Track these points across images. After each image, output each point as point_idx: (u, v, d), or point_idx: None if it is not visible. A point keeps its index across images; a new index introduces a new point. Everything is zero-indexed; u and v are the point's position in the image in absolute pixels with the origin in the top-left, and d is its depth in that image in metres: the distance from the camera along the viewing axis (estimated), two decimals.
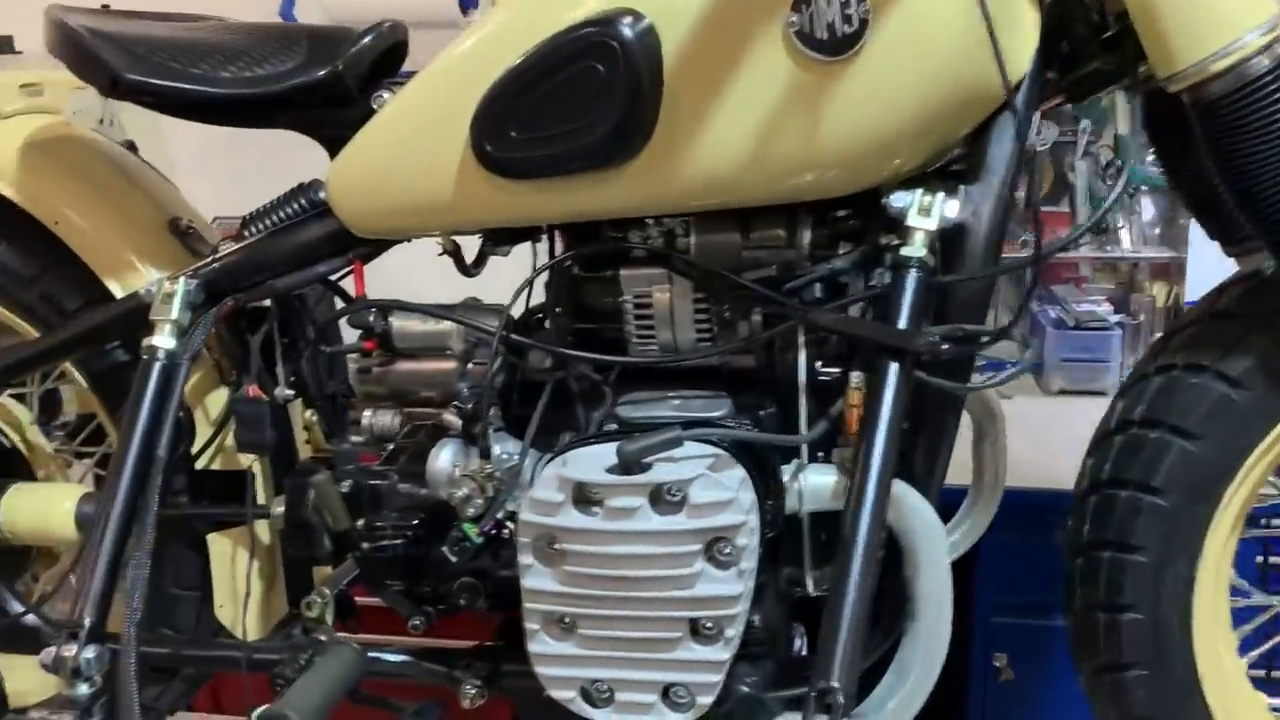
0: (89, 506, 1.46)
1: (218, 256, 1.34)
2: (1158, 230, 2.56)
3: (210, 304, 1.32)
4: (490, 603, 1.32)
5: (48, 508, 1.47)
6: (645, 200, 1.14)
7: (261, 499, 1.45)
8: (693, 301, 1.23)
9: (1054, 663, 1.78)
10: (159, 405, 1.24)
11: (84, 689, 1.12)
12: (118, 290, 1.40)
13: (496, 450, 1.20)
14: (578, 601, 1.03)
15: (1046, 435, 1.92)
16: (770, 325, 1.18)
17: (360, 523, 1.32)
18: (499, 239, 1.33)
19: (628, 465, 0.99)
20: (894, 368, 1.03)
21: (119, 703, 1.05)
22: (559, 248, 1.34)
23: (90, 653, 1.12)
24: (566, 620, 1.06)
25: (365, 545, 1.31)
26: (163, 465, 1.22)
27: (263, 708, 1.24)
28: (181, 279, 1.29)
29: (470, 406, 1.22)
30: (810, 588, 1.22)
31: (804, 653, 1.32)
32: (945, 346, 1.01)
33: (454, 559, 1.15)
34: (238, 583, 1.48)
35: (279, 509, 1.38)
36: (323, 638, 1.46)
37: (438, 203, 1.20)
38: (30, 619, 1.47)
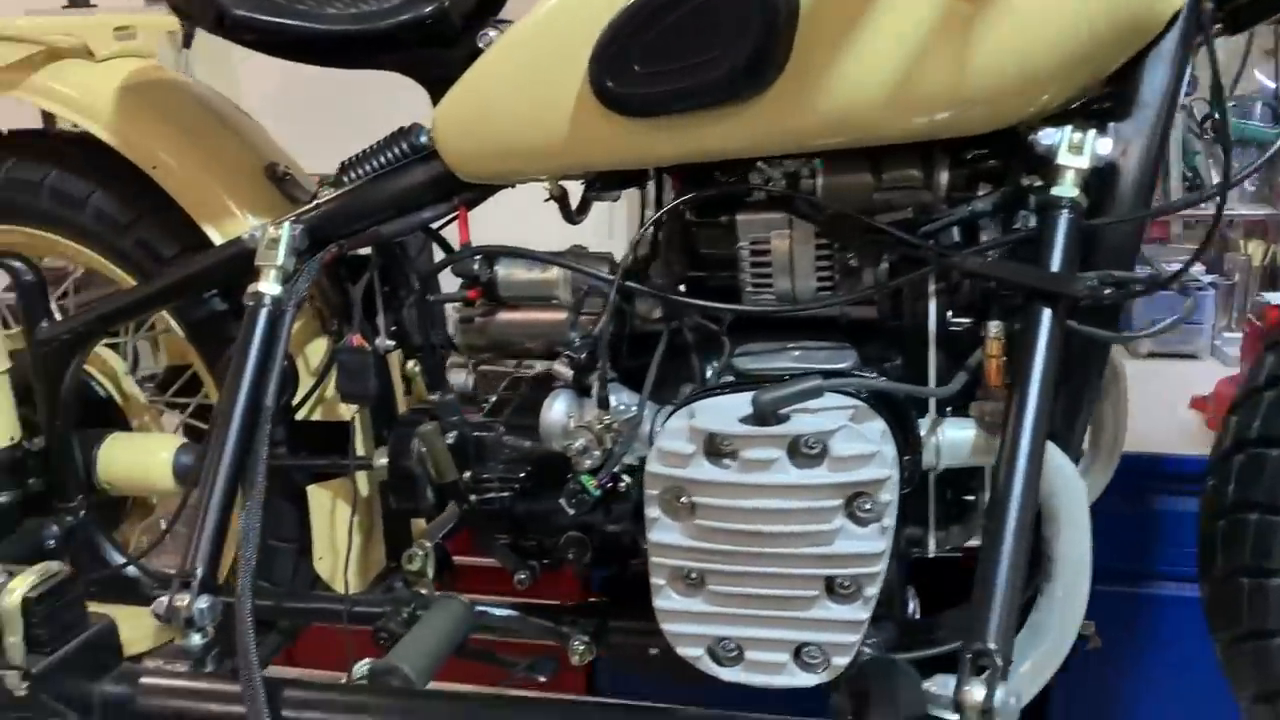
0: (187, 457, 1.45)
1: (321, 202, 1.31)
2: (1253, 187, 2.44)
3: (314, 250, 1.29)
4: (597, 557, 1.30)
5: (146, 458, 1.46)
6: (775, 138, 1.08)
7: (360, 451, 1.43)
8: (814, 248, 1.17)
9: (1144, 631, 1.72)
10: (265, 353, 1.21)
11: (196, 639, 1.10)
12: (216, 236, 1.38)
13: (612, 401, 1.15)
14: (707, 556, 0.99)
15: (1136, 399, 1.85)
16: (901, 271, 1.12)
17: (466, 475, 1.29)
18: (608, 183, 1.28)
19: (764, 416, 0.94)
20: (1047, 315, 0.97)
21: (238, 653, 1.03)
22: (667, 193, 1.30)
23: (203, 603, 1.10)
24: (693, 576, 1.02)
25: (472, 498, 1.29)
26: (270, 414, 1.20)
27: (372, 660, 1.21)
28: (286, 224, 1.26)
29: (583, 357, 1.18)
30: (932, 548, 1.17)
31: (917, 616, 1.28)
32: (1108, 291, 0.94)
33: (571, 511, 1.12)
34: (337, 535, 1.46)
35: (381, 460, 1.35)
36: (424, 591, 1.44)
37: (550, 144, 1.15)
38: (131, 570, 1.47)
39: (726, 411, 0.97)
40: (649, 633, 1.29)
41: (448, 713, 0.99)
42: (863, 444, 0.93)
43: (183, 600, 1.10)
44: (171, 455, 1.44)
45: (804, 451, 0.95)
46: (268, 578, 1.51)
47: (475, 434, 1.30)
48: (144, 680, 1.05)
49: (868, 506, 0.95)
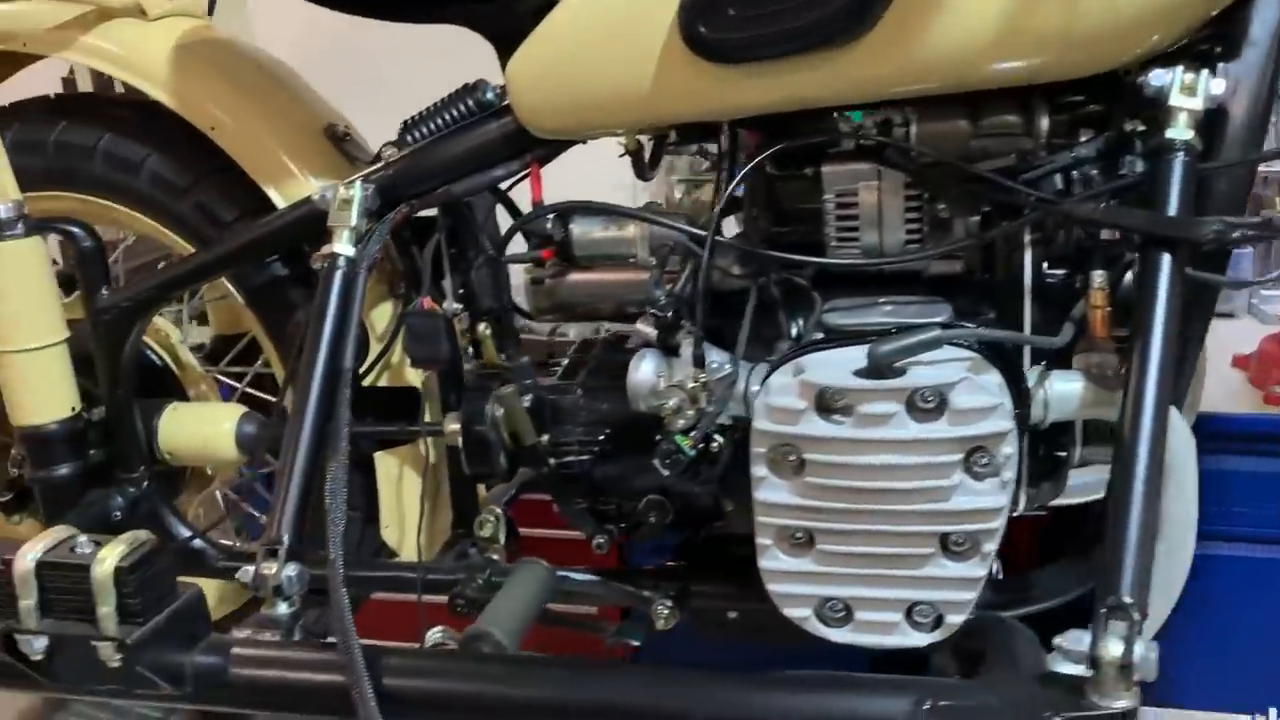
0: (250, 426, 1.42)
1: (389, 161, 1.27)
2: None
3: (384, 210, 1.25)
4: (677, 520, 1.28)
5: (208, 428, 1.43)
6: (873, 84, 1.04)
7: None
8: (904, 199, 1.14)
9: (1215, 592, 1.70)
10: (342, 315, 1.18)
11: (284, 608, 1.08)
12: (278, 199, 1.34)
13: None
14: (818, 515, 0.96)
15: None
16: (994, 222, 1.09)
17: (544, 438, 1.27)
18: (685, 136, 1.25)
19: (880, 368, 0.91)
20: (1167, 261, 0.94)
21: (332, 621, 1.01)
22: (739, 146, 1.27)
23: (291, 571, 1.07)
24: (800, 535, 0.99)
25: (552, 461, 1.26)
26: (349, 377, 1.17)
27: (443, 628, 1.19)
28: (358, 184, 1.23)
29: (669, 315, 1.15)
30: (1021, 506, 1.14)
31: (1000, 576, 1.26)
32: (1235, 235, 0.91)
33: (665, 472, 1.09)
34: (405, 503, 1.44)
35: (452, 426, 1.33)
36: (495, 557, 1.42)
37: (634, 95, 1.12)
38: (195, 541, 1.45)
39: (838, 365, 0.95)
40: (729, 596, 1.30)
41: (552, 677, 0.96)
42: (985, 396, 0.90)
43: (270, 568, 1.07)
44: (234, 425, 1.42)
45: (920, 405, 0.92)
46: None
47: (553, 396, 1.27)
48: (236, 650, 1.03)
49: (985, 461, 0.92)
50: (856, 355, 0.96)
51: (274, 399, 1.64)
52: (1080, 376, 1.03)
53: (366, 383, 1.38)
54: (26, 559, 0.99)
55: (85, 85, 2.01)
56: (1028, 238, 1.10)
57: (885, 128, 1.12)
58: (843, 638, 1.00)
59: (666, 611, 1.26)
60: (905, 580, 0.96)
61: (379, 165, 1.28)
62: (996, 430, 0.91)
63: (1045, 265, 1.11)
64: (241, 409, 1.44)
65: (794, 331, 1.15)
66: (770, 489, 0.97)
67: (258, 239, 1.31)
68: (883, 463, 0.92)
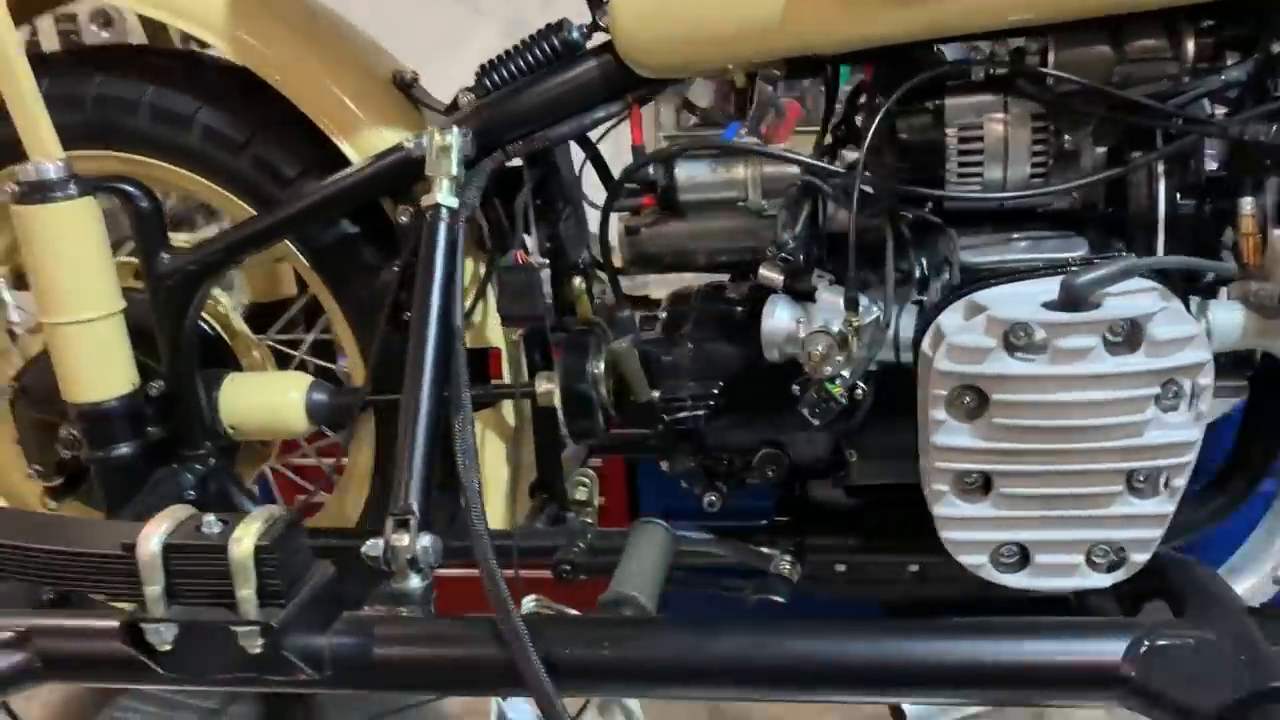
0: (320, 394, 1.34)
1: (481, 106, 1.20)
2: None
3: (478, 158, 1.18)
4: (791, 474, 1.24)
5: (275, 399, 1.34)
6: (1013, 10, 1.00)
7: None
8: (1031, 131, 1.10)
9: None
10: (449, 269, 1.11)
11: (416, 581, 1.01)
12: (351, 151, 1.25)
13: (836, 301, 1.08)
14: (1002, 458, 0.92)
15: None
16: (1124, 153, 1.06)
17: (656, 394, 1.21)
18: (798, 71, 1.19)
19: (1076, 301, 0.87)
20: None
21: (487, 591, 0.95)
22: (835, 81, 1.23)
23: (426, 541, 1.01)
24: (972, 480, 0.96)
25: (666, 418, 1.21)
26: (463, 334, 1.10)
27: (537, 599, 1.14)
28: (454, 130, 1.15)
29: (799, 259, 1.10)
30: None
31: None
32: None
33: (815, 421, 1.04)
34: (488, 468, 1.37)
35: (545, 385, 1.26)
36: (590, 520, 1.37)
37: (754, 27, 1.07)
38: None
39: (1023, 300, 0.91)
40: (842, 549, 1.27)
41: (722, 638, 0.92)
42: (1184, 326, 0.87)
43: (402, 540, 1.00)
44: (303, 394, 1.33)
45: (1110, 338, 0.89)
46: None
47: (660, 351, 1.22)
48: (379, 629, 0.96)
49: (1175, 392, 0.89)
50: (1037, 290, 0.92)
51: (330, 365, 1.57)
52: (1239, 306, 1.01)
53: None
54: (152, 542, 0.91)
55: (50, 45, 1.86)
56: (1161, 167, 1.07)
57: (1018, 57, 1.08)
58: (1019, 583, 0.97)
59: (788, 566, 1.22)
60: (1089, 520, 0.94)
61: (469, 111, 1.20)
62: (1195, 361, 0.88)
63: (1179, 195, 1.08)
64: (308, 377, 1.36)
65: (921, 271, 1.11)
66: (950, 433, 0.93)
67: (340, 192, 1.22)
68: (1077, 399, 0.88)
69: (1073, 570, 0.95)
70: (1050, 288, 0.91)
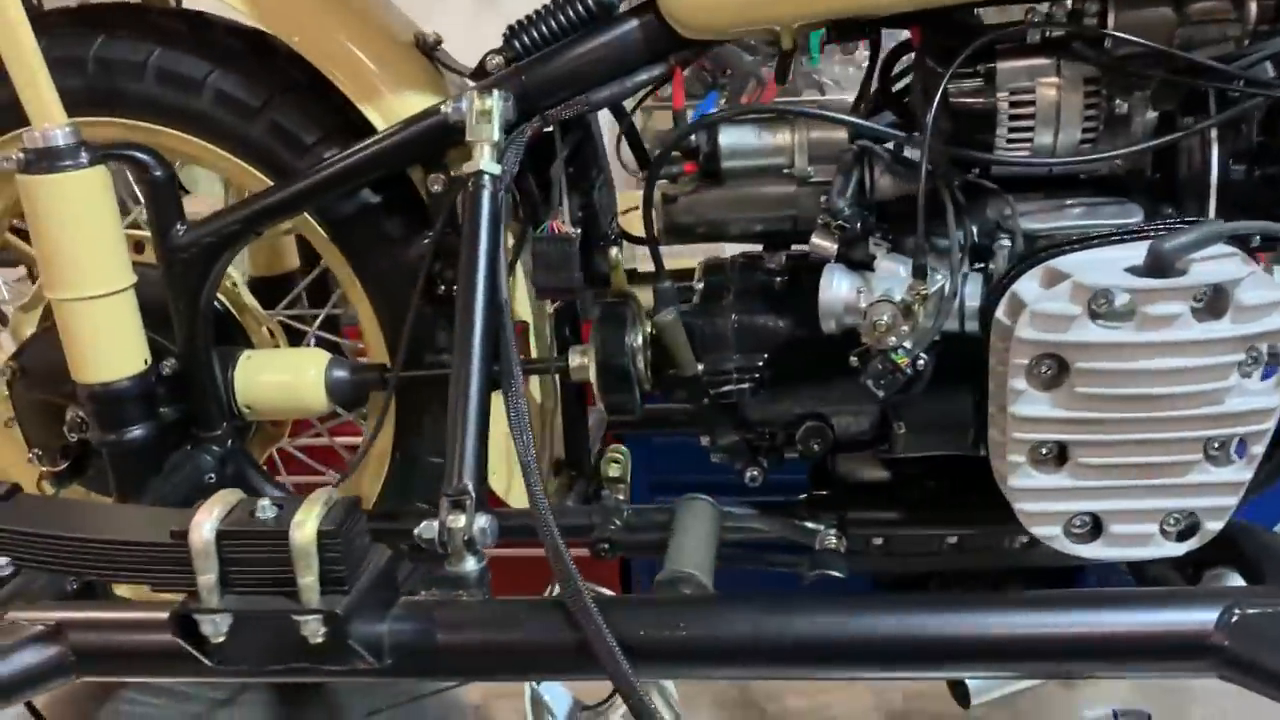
0: (341, 371, 1.29)
1: (518, 68, 1.15)
2: None
3: (517, 123, 1.14)
4: (834, 446, 1.21)
5: (293, 377, 1.29)
6: None
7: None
8: (1083, 96, 1.09)
9: None
10: (495, 239, 1.07)
11: (472, 563, 0.97)
12: (376, 116, 1.20)
13: (896, 269, 1.06)
14: (1082, 427, 0.91)
15: None
16: (1176, 117, 1.04)
17: (700, 367, 1.18)
18: (844, 34, 1.16)
19: (1163, 267, 0.86)
20: None
21: (556, 571, 0.91)
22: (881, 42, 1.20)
23: (483, 521, 0.97)
24: (1046, 450, 0.94)
25: (711, 391, 1.18)
26: (509, 306, 1.06)
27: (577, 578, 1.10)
28: (495, 94, 1.10)
29: (856, 227, 1.07)
30: None
31: None
32: None
33: (880, 393, 1.02)
34: (513, 445, 1.33)
35: (579, 359, 1.23)
36: (622, 498, 1.34)
37: None
38: None
39: (1108, 266, 0.89)
40: (882, 522, 1.25)
41: (792, 613, 0.89)
42: (1270, 291, 0.86)
43: (458, 521, 0.96)
44: (321, 371, 1.28)
45: (1194, 304, 0.88)
46: (425, 497, 1.37)
47: (704, 322, 1.19)
48: (440, 614, 0.93)
49: (1255, 358, 0.89)
50: (1119, 255, 0.90)
51: (336, 340, 1.51)
52: None
53: None
54: (205, 529, 0.86)
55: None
56: (1215, 133, 1.06)
57: (1075, 19, 1.06)
58: (1092, 553, 0.96)
59: (834, 540, 1.20)
60: (1166, 489, 0.93)
61: (504, 75, 1.15)
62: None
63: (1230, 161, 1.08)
64: (325, 354, 1.31)
65: (972, 237, 1.10)
66: (1030, 403, 0.91)
67: (369, 158, 1.17)
68: (1162, 367, 0.87)
69: (1147, 540, 0.94)
70: (1132, 254, 0.90)
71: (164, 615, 0.89)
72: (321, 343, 1.46)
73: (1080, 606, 0.86)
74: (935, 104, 1.02)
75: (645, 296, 1.23)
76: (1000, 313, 0.94)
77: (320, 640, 0.87)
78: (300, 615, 0.86)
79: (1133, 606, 0.86)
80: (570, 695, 1.29)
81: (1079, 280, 0.88)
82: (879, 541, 1.25)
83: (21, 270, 1.60)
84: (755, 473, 1.23)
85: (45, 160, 1.11)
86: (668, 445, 1.70)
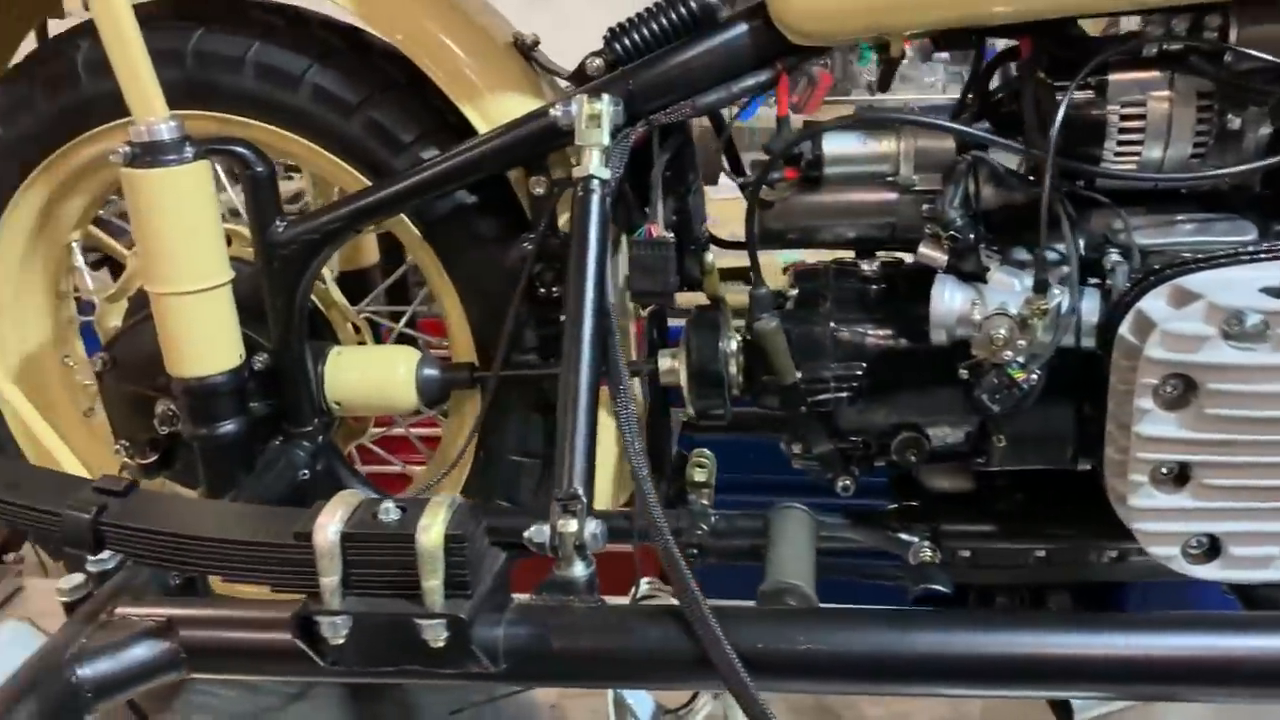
0: (432, 370, 1.29)
1: (624, 71, 1.15)
2: None
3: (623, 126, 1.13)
4: (931, 458, 1.21)
5: (383, 374, 1.29)
6: None
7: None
8: (1196, 110, 1.08)
9: None
10: (603, 243, 1.07)
11: (582, 569, 0.97)
12: (476, 116, 1.20)
13: (1012, 282, 1.05)
14: (1208, 448, 0.90)
15: None
16: None
17: (798, 375, 1.18)
18: (952, 43, 1.16)
19: None
20: None
21: (672, 578, 0.91)
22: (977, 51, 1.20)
23: (594, 527, 0.97)
24: (1166, 470, 0.94)
25: (809, 399, 1.17)
26: (618, 310, 1.06)
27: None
28: (605, 98, 1.10)
29: (968, 238, 1.06)
30: None
31: None
32: None
33: (995, 408, 1.02)
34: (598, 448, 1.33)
35: (669, 363, 1.23)
36: (706, 503, 1.33)
37: None
38: None
39: (1241, 285, 0.88)
40: (972, 535, 1.24)
41: (916, 629, 0.89)
42: None
43: (570, 526, 0.96)
44: (412, 369, 1.28)
45: None
46: (508, 496, 1.38)
47: (798, 330, 1.18)
48: (554, 619, 0.92)
49: None
50: (1249, 275, 0.89)
51: (415, 335, 1.52)
52: None
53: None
54: (329, 531, 0.86)
55: None
56: None
57: (1194, 32, 1.05)
58: (1210, 574, 0.95)
59: (928, 552, 1.19)
60: None
61: (608, 78, 1.15)
62: None
63: None
64: (415, 352, 1.31)
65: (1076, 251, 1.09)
66: (1156, 422, 0.91)
67: (474, 159, 1.16)
68: None
69: (1268, 562, 0.93)
70: (1263, 274, 0.89)
71: (281, 614, 0.89)
72: (401, 338, 1.46)
73: (1204, 629, 0.85)
74: (1059, 118, 1.00)
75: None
76: (1125, 330, 0.94)
77: (441, 644, 0.87)
78: (424, 619, 0.86)
79: (1256, 630, 0.85)
80: (652, 699, 1.29)
81: (1213, 300, 0.87)
82: (966, 554, 1.25)
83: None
84: (847, 482, 1.23)
85: (150, 154, 1.11)
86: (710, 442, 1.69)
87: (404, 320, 1.46)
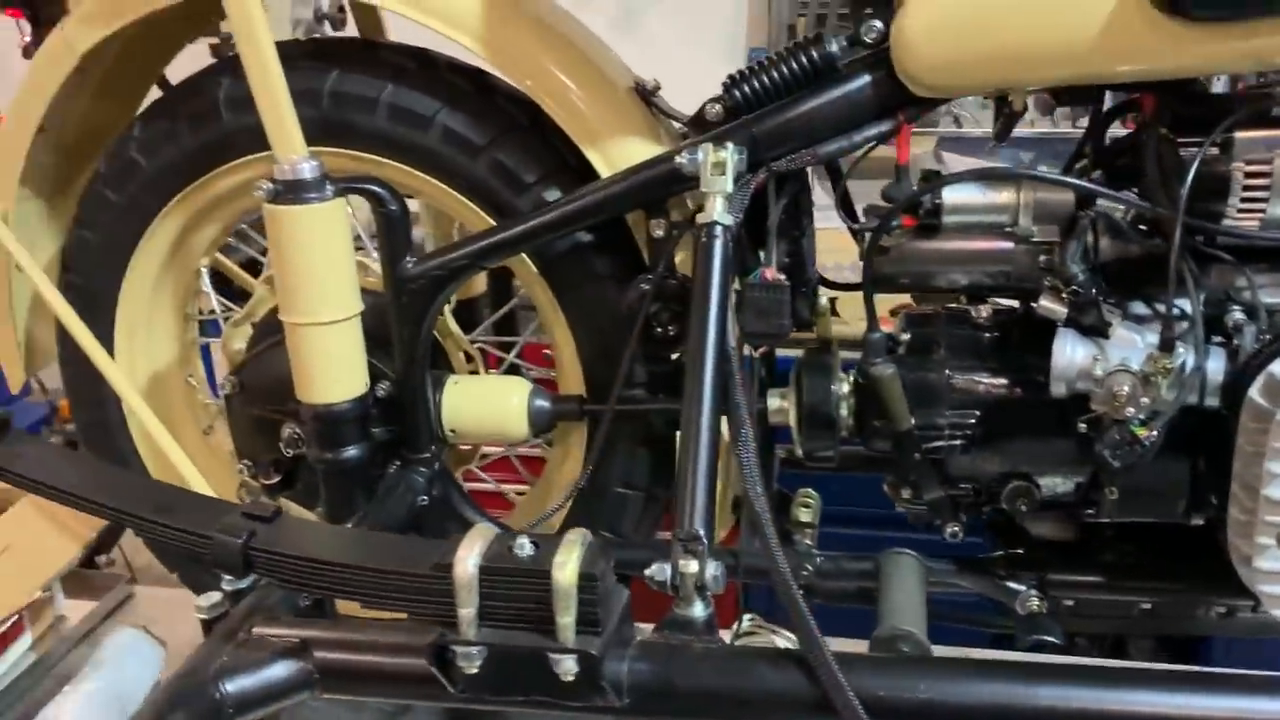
0: (543, 402, 1.33)
1: (747, 120, 1.17)
2: None
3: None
4: (1040, 508, 1.21)
5: (497, 404, 1.33)
6: None
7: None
8: None
9: None
10: (725, 289, 1.09)
11: (701, 608, 0.99)
12: (600, 161, 1.24)
13: (1135, 338, 1.06)
14: None
15: None
16: None
17: (912, 421, 1.19)
18: (1075, 97, 1.17)
19: None
20: None
21: (794, 620, 0.93)
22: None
23: (715, 569, 0.99)
24: None
25: (922, 445, 1.19)
26: (738, 354, 1.09)
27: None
28: (730, 147, 1.13)
29: (1091, 291, 1.07)
30: None
31: None
32: None
33: (1115, 464, 1.02)
34: None
35: (778, 403, 1.25)
36: (809, 543, 1.35)
37: (1059, 51, 1.04)
38: None
39: None
40: (1080, 585, 1.25)
41: (1043, 683, 0.90)
42: None
43: (692, 566, 0.99)
44: (525, 400, 1.32)
45: None
46: (610, 527, 1.40)
47: (918, 375, 1.19)
48: (676, 658, 0.95)
49: None
50: None
51: (527, 366, 1.56)
52: None
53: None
54: (469, 564, 0.90)
55: None
56: None
57: None
58: None
59: (1035, 601, 1.20)
60: None
61: (730, 126, 1.18)
62: None
63: None
64: (527, 383, 1.35)
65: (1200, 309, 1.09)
66: None
67: (599, 201, 1.20)
68: None
69: None
70: None
71: (419, 641, 0.93)
72: (510, 368, 1.51)
73: None
74: (1192, 172, 1.01)
75: None
76: (1255, 393, 0.94)
77: (571, 678, 0.90)
78: (557, 654, 0.89)
79: None
80: None
81: None
82: (1070, 603, 1.25)
83: None
84: (956, 528, 1.24)
85: (292, 192, 1.17)
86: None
87: (515, 351, 1.50)
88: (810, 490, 1.36)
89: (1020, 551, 1.26)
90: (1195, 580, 1.22)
